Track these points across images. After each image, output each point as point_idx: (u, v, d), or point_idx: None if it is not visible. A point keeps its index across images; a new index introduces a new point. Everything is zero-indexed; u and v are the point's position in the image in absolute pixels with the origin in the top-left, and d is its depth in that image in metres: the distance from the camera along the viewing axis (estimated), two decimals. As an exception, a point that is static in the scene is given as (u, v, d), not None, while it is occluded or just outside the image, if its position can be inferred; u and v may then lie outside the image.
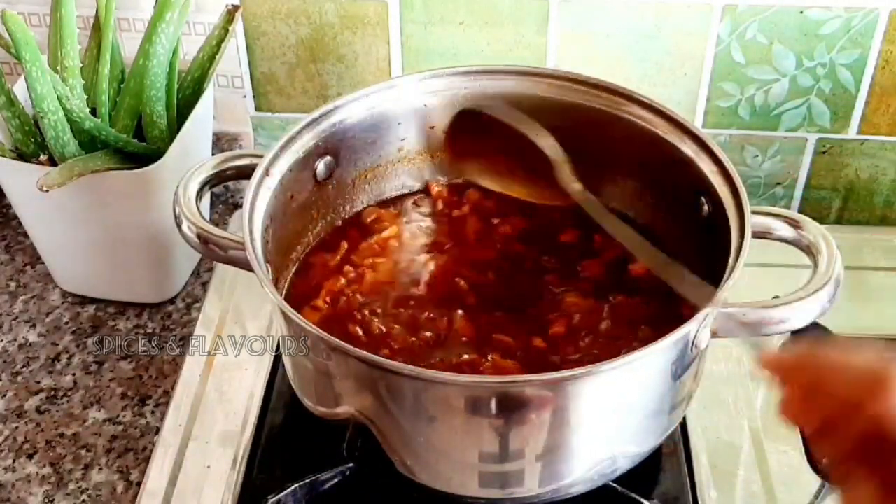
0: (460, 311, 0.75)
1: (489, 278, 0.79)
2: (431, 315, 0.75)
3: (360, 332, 0.74)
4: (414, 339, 0.73)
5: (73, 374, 0.88)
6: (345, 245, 0.81)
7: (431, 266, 0.80)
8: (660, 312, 0.74)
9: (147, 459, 0.80)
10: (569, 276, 0.79)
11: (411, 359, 0.71)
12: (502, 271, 0.80)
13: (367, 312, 0.75)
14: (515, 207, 0.83)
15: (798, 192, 1.03)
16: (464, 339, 0.73)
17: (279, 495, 0.72)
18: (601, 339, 0.73)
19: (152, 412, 0.84)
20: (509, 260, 0.80)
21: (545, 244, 0.81)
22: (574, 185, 0.77)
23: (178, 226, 0.72)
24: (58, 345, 0.91)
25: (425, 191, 0.86)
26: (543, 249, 0.81)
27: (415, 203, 0.86)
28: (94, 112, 0.86)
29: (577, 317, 0.75)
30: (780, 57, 0.94)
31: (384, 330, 0.74)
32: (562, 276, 0.79)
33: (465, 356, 0.72)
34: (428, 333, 0.74)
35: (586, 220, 0.75)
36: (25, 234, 0.97)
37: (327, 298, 0.77)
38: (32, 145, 0.87)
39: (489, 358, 0.71)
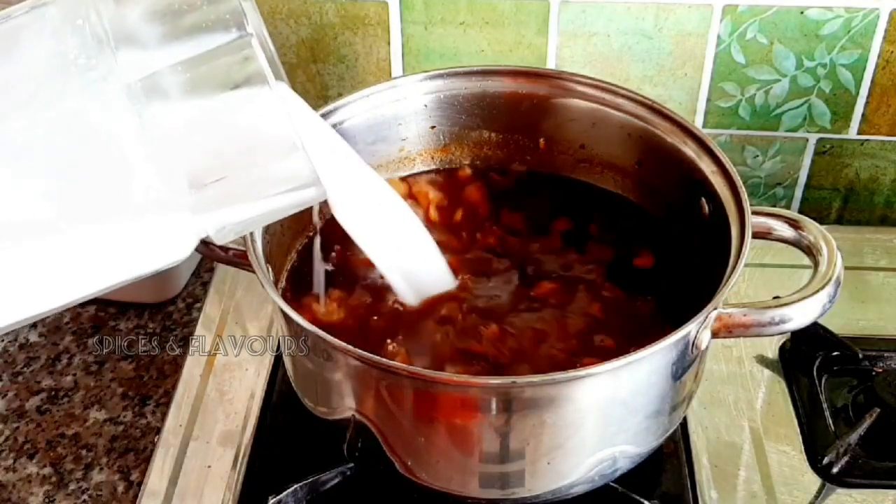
0: (462, 309, 0.75)
1: (490, 274, 0.79)
2: (434, 313, 0.75)
3: (362, 332, 0.74)
4: (417, 337, 0.73)
5: (74, 375, 0.88)
6: (346, 244, 0.81)
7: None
8: (660, 311, 0.74)
9: (147, 459, 0.80)
10: (569, 269, 0.79)
11: (415, 357, 0.71)
12: (504, 267, 0.79)
13: (368, 311, 0.75)
14: (511, 202, 0.84)
15: (798, 193, 1.03)
16: (468, 334, 0.73)
17: (279, 495, 0.72)
18: (601, 336, 0.73)
19: (153, 412, 0.85)
20: (509, 255, 0.80)
21: (545, 239, 0.81)
22: None
23: (179, 226, 0.72)
24: (58, 345, 0.91)
25: (424, 189, 0.86)
26: (544, 244, 0.81)
27: (414, 201, 0.85)
28: (94, 112, 0.86)
29: (579, 313, 0.75)
30: (781, 57, 0.94)
31: (385, 328, 0.74)
32: (562, 270, 0.79)
33: (471, 354, 0.72)
34: (430, 331, 0.74)
35: (583, 211, 0.74)
36: (26, 235, 0.97)
37: (328, 298, 0.77)
38: (33, 145, 0.87)
39: (495, 356, 0.71)
